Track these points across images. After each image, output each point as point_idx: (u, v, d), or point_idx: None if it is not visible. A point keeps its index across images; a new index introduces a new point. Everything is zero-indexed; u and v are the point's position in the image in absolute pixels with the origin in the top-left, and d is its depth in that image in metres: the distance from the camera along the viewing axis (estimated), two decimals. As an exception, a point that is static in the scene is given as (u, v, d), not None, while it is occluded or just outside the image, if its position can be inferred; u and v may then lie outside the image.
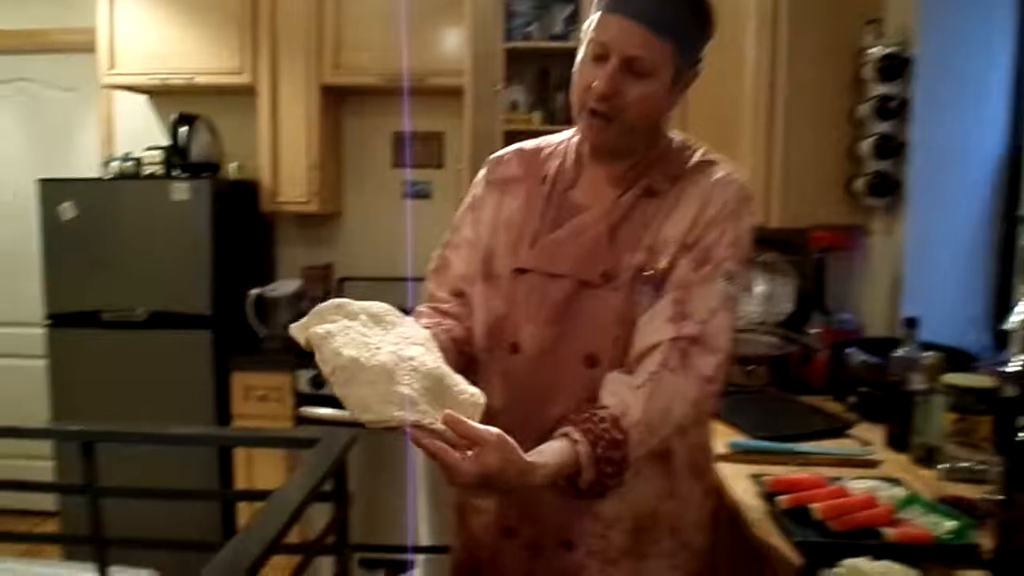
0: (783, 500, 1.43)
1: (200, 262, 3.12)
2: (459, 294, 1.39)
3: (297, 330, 1.07)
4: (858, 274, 2.58)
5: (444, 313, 1.37)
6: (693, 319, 1.19)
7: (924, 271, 2.29)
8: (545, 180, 1.35)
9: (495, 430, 1.01)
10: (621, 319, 1.23)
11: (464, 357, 1.32)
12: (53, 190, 3.16)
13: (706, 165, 1.30)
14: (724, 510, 1.54)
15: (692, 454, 1.32)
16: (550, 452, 1.08)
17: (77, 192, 3.16)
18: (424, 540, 3.01)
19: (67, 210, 3.13)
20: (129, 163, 3.39)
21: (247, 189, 3.48)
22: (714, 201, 1.25)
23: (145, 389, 3.16)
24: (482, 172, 1.45)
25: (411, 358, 1.04)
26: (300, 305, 3.50)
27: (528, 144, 1.44)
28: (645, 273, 1.23)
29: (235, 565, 1.28)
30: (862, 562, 1.19)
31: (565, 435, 1.10)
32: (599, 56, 1.20)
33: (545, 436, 1.12)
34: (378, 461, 2.77)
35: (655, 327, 1.19)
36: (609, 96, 1.20)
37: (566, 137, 1.39)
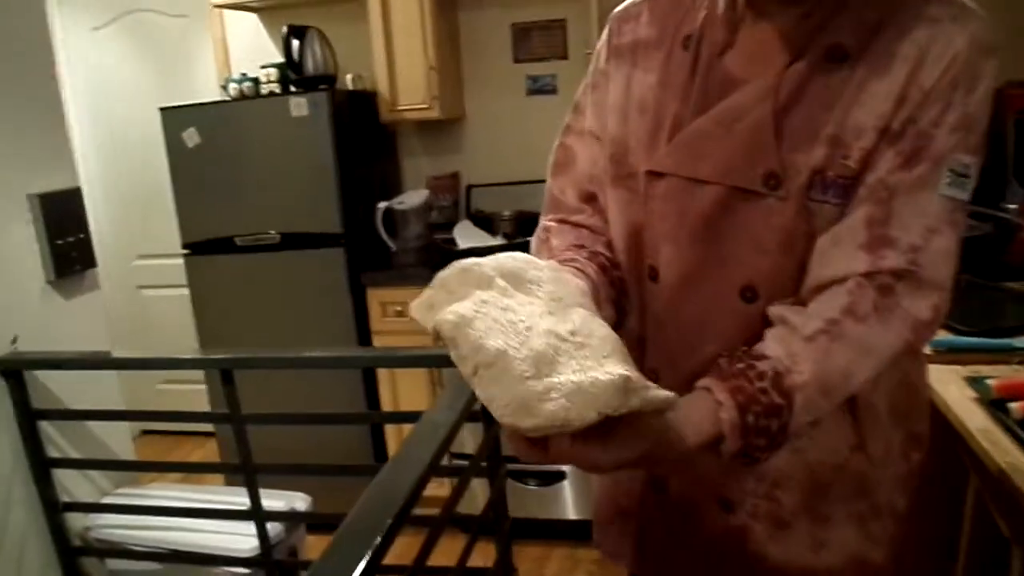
0: (1017, 408, 1.18)
1: (326, 179, 3.02)
2: (591, 198, 1.10)
3: (420, 311, 0.83)
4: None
5: (577, 226, 1.10)
6: (899, 246, 0.85)
7: None
8: (688, 41, 0.99)
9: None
10: (790, 240, 0.91)
11: (617, 288, 1.05)
12: (175, 118, 3.11)
13: (922, 1, 0.87)
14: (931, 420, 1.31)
15: (892, 394, 1.00)
16: (690, 416, 0.83)
17: (198, 117, 3.10)
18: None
19: (191, 136, 3.09)
20: (247, 83, 3.30)
21: (365, 100, 3.33)
22: (933, 58, 0.85)
23: (285, 311, 3.14)
24: (604, 35, 1.11)
25: (573, 333, 0.78)
26: (429, 216, 3.39)
27: None
28: (827, 176, 0.88)
29: (392, 493, 1.18)
30: None
31: (708, 390, 0.85)
32: None
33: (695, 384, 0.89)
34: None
35: (841, 255, 0.87)
36: None
37: None
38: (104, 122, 4.06)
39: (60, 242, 2.08)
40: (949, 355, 1.49)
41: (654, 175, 0.99)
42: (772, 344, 0.87)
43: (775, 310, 0.90)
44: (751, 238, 0.93)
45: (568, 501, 3.02)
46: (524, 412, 0.71)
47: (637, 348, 1.03)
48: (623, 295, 1.07)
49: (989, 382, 1.28)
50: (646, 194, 1.00)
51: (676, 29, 1.02)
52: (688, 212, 0.96)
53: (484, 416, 1.71)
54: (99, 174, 4.10)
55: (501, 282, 0.83)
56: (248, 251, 3.13)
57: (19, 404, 1.97)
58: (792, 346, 0.85)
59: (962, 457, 1.35)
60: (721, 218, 0.94)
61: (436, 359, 1.60)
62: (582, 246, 1.06)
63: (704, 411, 0.83)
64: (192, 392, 3.75)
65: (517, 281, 0.85)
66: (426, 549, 1.34)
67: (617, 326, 0.96)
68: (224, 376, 1.79)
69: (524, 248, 1.01)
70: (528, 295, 0.84)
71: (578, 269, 0.98)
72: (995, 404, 1.23)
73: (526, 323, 0.78)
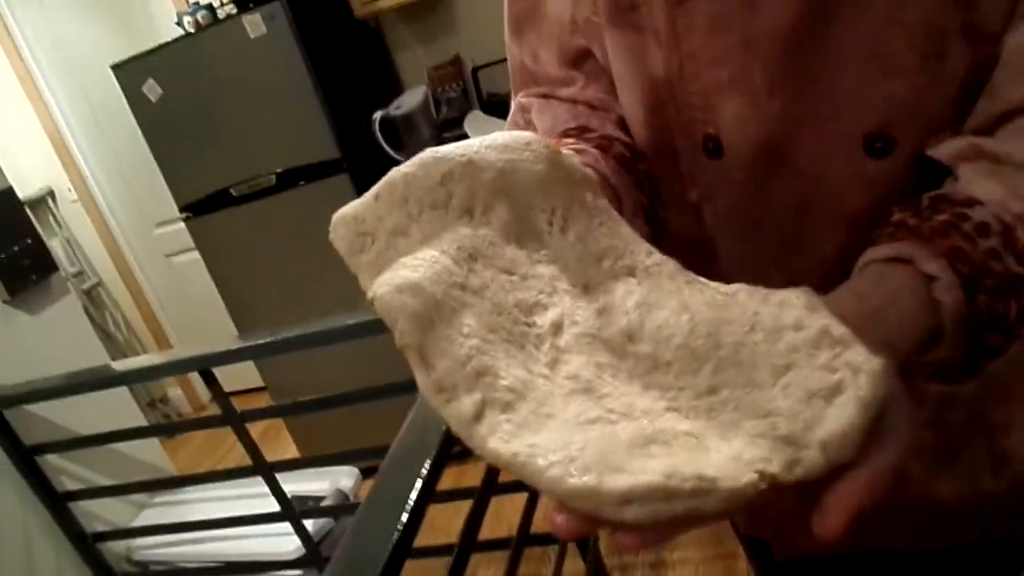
0: None
1: (307, 100, 2.64)
2: (581, 58, 0.72)
3: (350, 252, 0.47)
4: None
5: (570, 103, 0.72)
6: None
7: None
8: None
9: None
10: (937, 45, 0.54)
11: (647, 191, 0.68)
12: (130, 72, 2.75)
13: None
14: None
15: None
16: (887, 309, 0.47)
17: (153, 66, 2.73)
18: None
19: (151, 89, 2.74)
20: (201, 12, 2.90)
21: (333, -1, 2.90)
22: None
23: (303, 257, 2.83)
24: None
25: (631, 338, 0.43)
26: (438, 113, 2.99)
27: None
28: None
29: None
30: None
31: (904, 262, 0.48)
32: None
33: None
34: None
35: None
36: None
37: None
38: (80, 96, 3.73)
39: (3, 255, 1.80)
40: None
41: None
42: (981, 181, 0.50)
43: (953, 145, 0.53)
44: (871, 52, 0.56)
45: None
46: (612, 470, 0.37)
47: (699, 260, 0.60)
48: (656, 199, 0.70)
49: None
50: (673, 28, 0.61)
51: None
52: (757, 38, 0.58)
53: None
54: (92, 151, 3.82)
55: (505, 214, 0.47)
56: (247, 200, 2.82)
57: (8, 445, 1.74)
58: (1017, 183, 0.49)
59: None
60: (814, 33, 0.56)
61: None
62: (584, 128, 0.69)
63: (907, 296, 0.47)
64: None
65: (532, 213, 0.48)
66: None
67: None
68: (205, 377, 1.51)
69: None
70: (534, 240, 0.47)
71: (587, 167, 0.60)
72: None
73: (557, 305, 0.44)
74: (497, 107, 2.95)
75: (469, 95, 3.15)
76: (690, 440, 0.38)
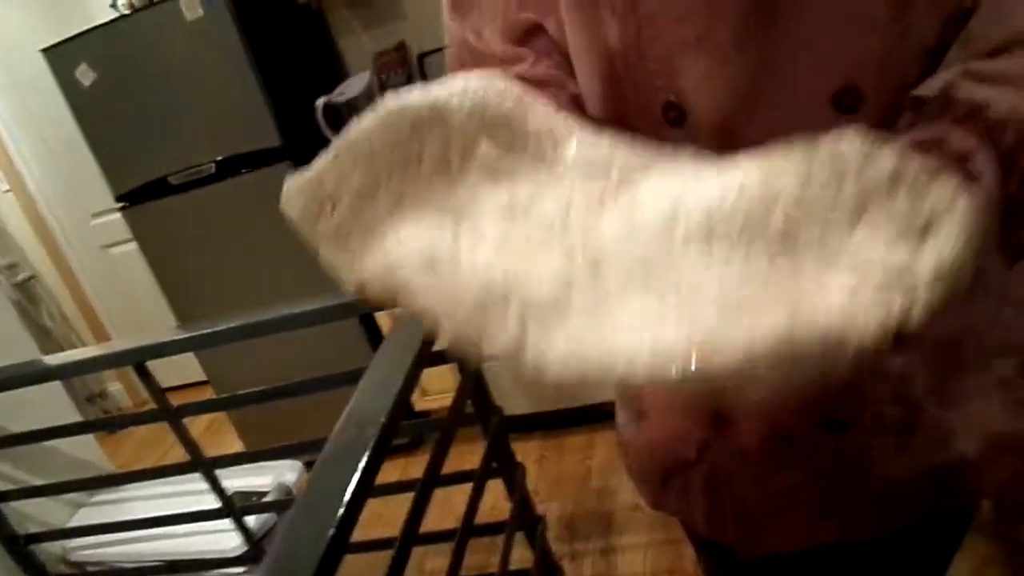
0: None
1: (247, 86, 2.57)
2: (530, 34, 0.70)
3: (307, 223, 0.45)
4: None
5: (519, 80, 0.73)
6: None
7: None
8: None
9: None
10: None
11: None
12: (61, 56, 2.65)
13: None
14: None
15: None
16: None
17: (86, 50, 2.63)
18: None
19: (84, 74, 2.65)
20: (136, -6, 2.81)
21: (274, -19, 2.83)
22: None
23: (244, 243, 2.78)
24: None
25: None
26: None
27: None
28: None
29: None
30: None
31: (928, 147, 0.45)
32: None
33: None
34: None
35: None
36: None
37: None
38: (9, 81, 3.59)
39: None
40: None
41: None
42: (985, 91, 0.48)
43: (945, 74, 0.51)
44: (843, 6, 0.55)
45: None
46: (714, 339, 0.34)
47: None
48: None
49: None
50: None
51: None
52: None
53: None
54: (24, 139, 3.68)
55: (487, 150, 0.43)
56: (186, 189, 2.74)
57: (-69, 445, 1.67)
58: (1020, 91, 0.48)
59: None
60: None
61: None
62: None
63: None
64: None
65: (504, 129, 0.44)
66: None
67: None
68: (139, 370, 1.45)
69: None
70: (529, 169, 0.44)
71: None
72: None
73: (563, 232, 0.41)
74: (443, 94, 2.91)
75: (415, 82, 3.09)
76: (786, 296, 0.33)
